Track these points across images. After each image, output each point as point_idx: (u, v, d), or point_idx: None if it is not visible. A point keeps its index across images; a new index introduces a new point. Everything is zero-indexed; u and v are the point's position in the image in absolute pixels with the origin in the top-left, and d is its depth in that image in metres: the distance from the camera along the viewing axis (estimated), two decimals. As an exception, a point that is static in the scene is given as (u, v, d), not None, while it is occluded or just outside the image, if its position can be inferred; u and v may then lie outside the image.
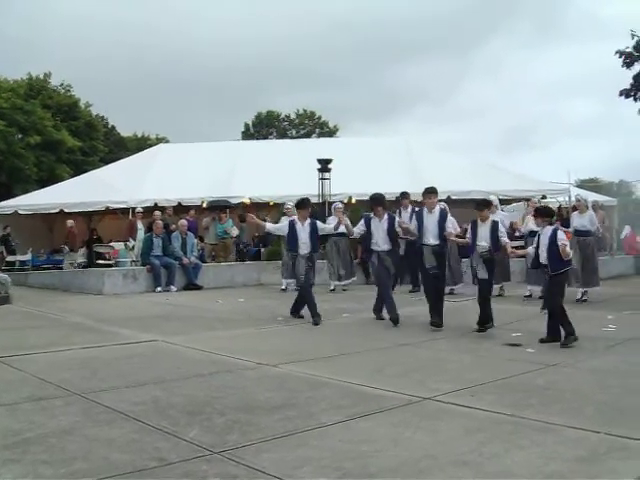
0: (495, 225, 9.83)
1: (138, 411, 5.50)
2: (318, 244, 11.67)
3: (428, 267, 10.19)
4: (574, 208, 14.74)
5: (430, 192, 10.40)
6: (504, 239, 9.85)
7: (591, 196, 26.56)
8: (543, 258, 8.93)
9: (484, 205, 10.05)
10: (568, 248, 8.73)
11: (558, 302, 8.80)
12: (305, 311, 11.17)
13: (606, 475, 4.08)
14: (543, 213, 9.34)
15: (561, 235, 8.86)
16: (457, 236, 10.52)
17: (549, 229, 9.00)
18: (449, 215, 10.46)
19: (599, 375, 7.00)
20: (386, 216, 10.91)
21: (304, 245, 11.16)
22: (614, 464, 4.25)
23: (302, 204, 11.61)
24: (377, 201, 11.01)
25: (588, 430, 4.94)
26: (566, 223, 13.90)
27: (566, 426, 5.05)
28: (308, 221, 11.35)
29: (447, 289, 13.86)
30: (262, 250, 21.66)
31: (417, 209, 11.82)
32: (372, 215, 10.96)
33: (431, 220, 10.26)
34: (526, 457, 4.39)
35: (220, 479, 4.03)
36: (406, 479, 4.03)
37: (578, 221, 13.17)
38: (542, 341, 8.70)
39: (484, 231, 9.80)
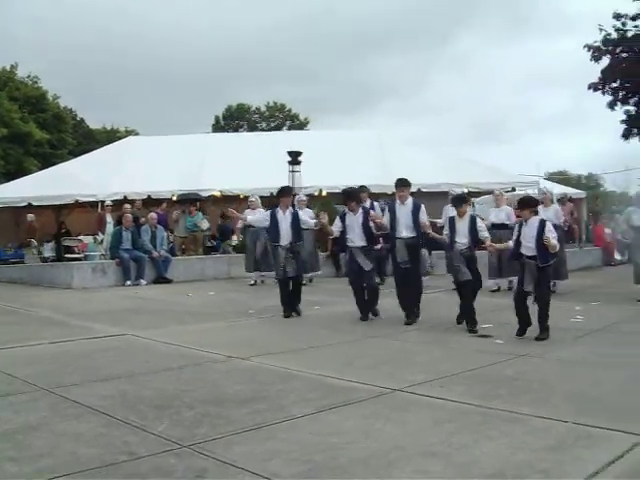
0: (473, 220, 9.51)
1: (107, 405, 5.46)
2: (301, 234, 11.15)
3: (400, 261, 9.91)
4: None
5: (402, 185, 10.09)
6: (484, 234, 9.48)
7: (560, 189, 26.93)
8: (528, 249, 8.52)
9: (462, 200, 9.75)
10: (555, 240, 8.44)
11: (548, 294, 8.75)
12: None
13: (573, 463, 4.12)
14: (527, 204, 8.85)
15: (550, 226, 8.62)
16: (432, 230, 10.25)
17: (535, 220, 8.65)
18: (422, 207, 10.12)
19: (567, 366, 7.08)
20: (361, 210, 10.48)
21: (285, 235, 10.80)
22: (580, 452, 4.31)
23: (284, 192, 11.28)
24: (350, 196, 10.71)
25: (556, 420, 4.98)
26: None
27: (534, 416, 5.09)
28: (290, 210, 11.01)
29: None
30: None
31: (388, 202, 11.37)
32: (347, 210, 10.60)
33: (404, 212, 9.96)
34: (495, 447, 4.42)
35: (189, 473, 4.01)
36: (376, 471, 4.04)
37: (543, 214, 13.10)
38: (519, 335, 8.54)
39: (463, 227, 9.45)
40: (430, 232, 10.09)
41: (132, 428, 4.86)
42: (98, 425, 4.93)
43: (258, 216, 12.50)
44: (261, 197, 16.84)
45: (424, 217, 10.01)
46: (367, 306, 10.39)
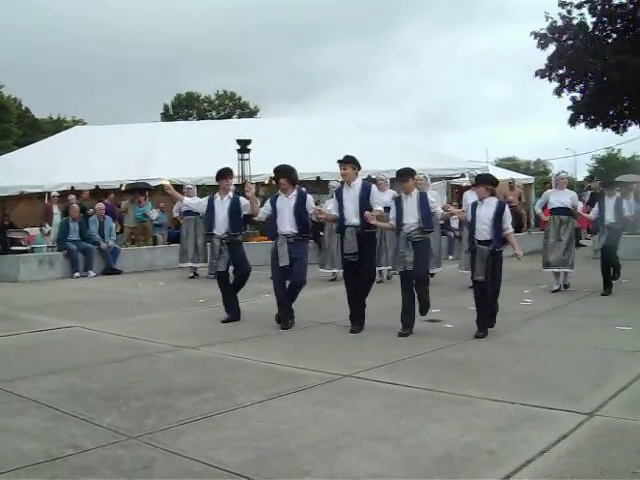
0: (423, 196, 8.30)
1: (53, 399, 5.38)
2: (240, 224, 9.73)
3: (347, 252, 8.47)
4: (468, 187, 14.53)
5: (343, 162, 8.66)
6: (438, 210, 8.44)
7: (509, 174, 27.26)
8: (481, 233, 7.85)
9: (408, 174, 8.40)
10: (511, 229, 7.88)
11: (499, 283, 8.12)
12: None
13: (520, 443, 4.19)
14: (485, 181, 8.16)
15: (508, 212, 7.94)
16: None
17: (493, 200, 7.92)
18: (373, 188, 8.66)
19: (515, 348, 7.18)
20: (295, 192, 8.94)
21: (221, 223, 9.34)
22: (528, 433, 4.38)
23: (221, 174, 9.60)
24: (280, 172, 9.02)
25: (504, 401, 5.07)
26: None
27: (483, 398, 5.17)
28: (229, 195, 9.51)
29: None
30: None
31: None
32: (279, 192, 9.11)
33: (351, 196, 8.55)
34: (444, 430, 4.46)
35: (137, 464, 3.97)
36: (325, 455, 4.05)
37: (471, 197, 12.82)
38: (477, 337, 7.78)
39: (411, 205, 8.24)
40: (380, 224, 8.65)
41: (79, 421, 4.80)
42: (44, 419, 4.86)
43: (197, 200, 11.20)
44: (210, 186, 16.52)
45: (375, 201, 8.50)
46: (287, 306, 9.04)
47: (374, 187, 8.76)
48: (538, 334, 7.87)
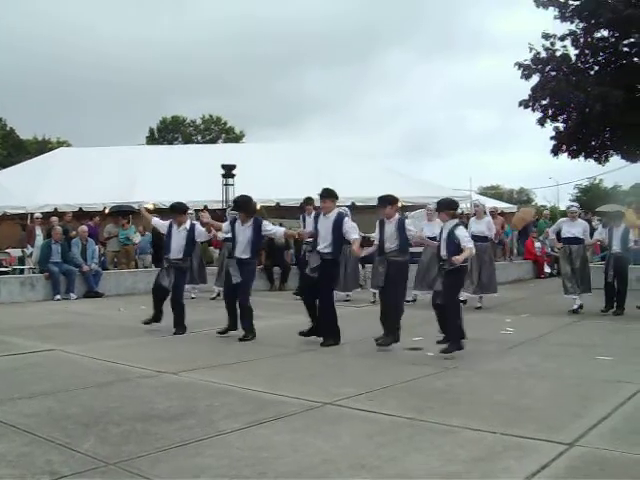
0: (402, 223, 8.94)
1: (31, 423, 5.30)
2: (191, 251, 10.84)
3: (310, 268, 9.29)
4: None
5: (324, 195, 9.39)
6: (412, 233, 9.02)
7: (492, 203, 27.42)
8: (443, 252, 8.41)
9: (385, 201, 9.14)
10: (468, 252, 8.22)
11: (455, 300, 8.57)
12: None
13: (501, 474, 4.18)
14: (445, 206, 8.66)
15: (461, 232, 8.34)
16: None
17: (451, 223, 8.44)
18: (346, 220, 9.41)
19: (497, 377, 7.19)
20: (251, 221, 9.81)
21: (175, 250, 10.44)
22: (509, 463, 4.36)
23: (174, 208, 10.88)
24: (235, 204, 10.31)
25: (485, 431, 5.05)
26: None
27: (464, 427, 5.15)
28: (185, 226, 10.56)
29: (343, 295, 13.98)
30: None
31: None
32: (238, 218, 9.98)
33: (325, 225, 9.32)
34: (424, 459, 4.44)
35: (114, 491, 3.93)
36: (304, 485, 4.03)
37: (476, 227, 13.14)
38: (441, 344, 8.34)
39: (390, 230, 8.93)
40: (358, 252, 9.38)
41: (57, 446, 4.73)
42: (21, 444, 4.79)
43: (163, 222, 11.47)
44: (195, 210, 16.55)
45: (350, 231, 9.24)
46: (241, 322, 9.90)
47: (347, 218, 9.50)
48: (519, 363, 7.87)
